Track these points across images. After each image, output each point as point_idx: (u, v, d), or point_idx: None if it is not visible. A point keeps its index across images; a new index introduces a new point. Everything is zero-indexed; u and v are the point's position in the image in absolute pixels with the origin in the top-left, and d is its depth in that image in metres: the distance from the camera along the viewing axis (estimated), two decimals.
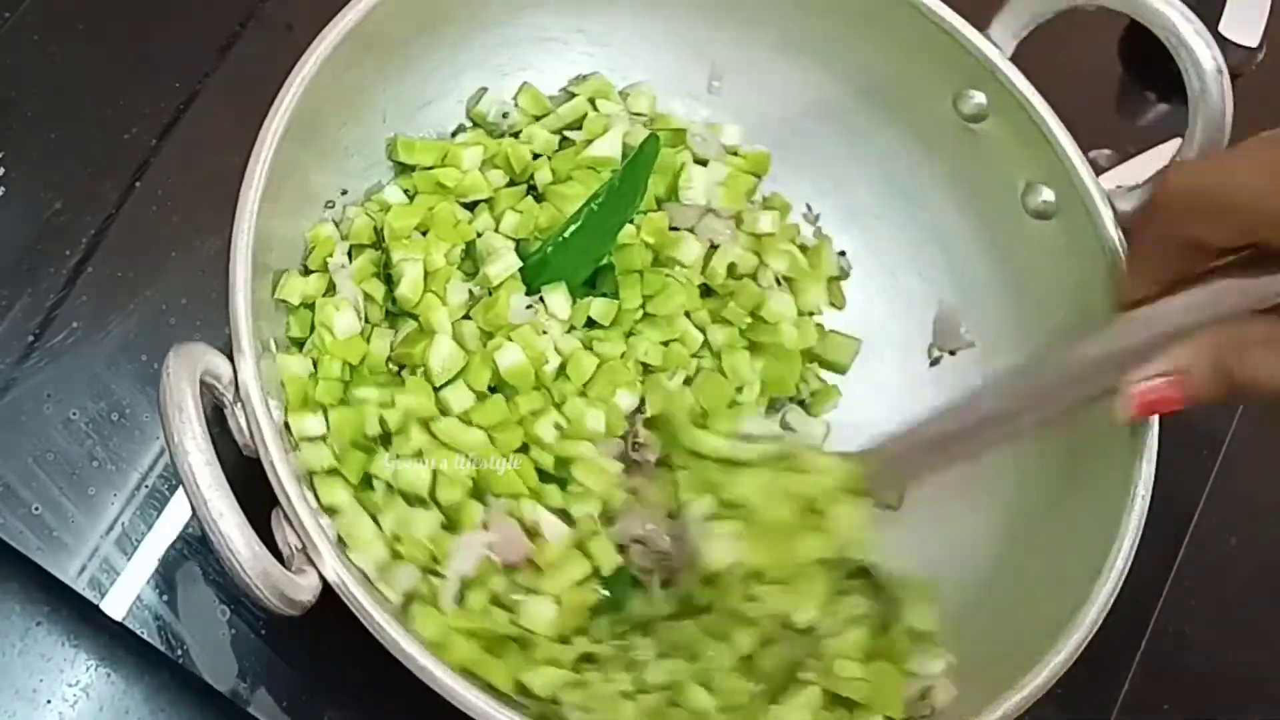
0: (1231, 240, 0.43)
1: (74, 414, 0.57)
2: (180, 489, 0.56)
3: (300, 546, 0.44)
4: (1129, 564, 0.49)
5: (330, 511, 0.49)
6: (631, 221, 0.57)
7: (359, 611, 0.44)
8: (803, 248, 0.63)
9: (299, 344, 0.53)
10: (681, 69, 0.63)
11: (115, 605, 0.54)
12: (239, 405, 0.45)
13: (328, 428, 0.50)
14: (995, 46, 0.56)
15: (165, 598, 0.54)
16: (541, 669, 0.49)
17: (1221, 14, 0.69)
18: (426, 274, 0.55)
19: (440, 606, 0.49)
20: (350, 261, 0.55)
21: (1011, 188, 0.58)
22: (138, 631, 0.54)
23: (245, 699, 0.53)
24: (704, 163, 0.62)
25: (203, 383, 0.43)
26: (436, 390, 0.53)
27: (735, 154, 0.63)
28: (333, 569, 0.44)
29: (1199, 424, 0.65)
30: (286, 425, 0.49)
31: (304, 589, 0.43)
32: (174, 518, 0.56)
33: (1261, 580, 0.63)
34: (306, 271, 0.54)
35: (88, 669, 0.54)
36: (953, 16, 0.56)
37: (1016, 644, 0.49)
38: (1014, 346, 0.59)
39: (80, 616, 0.54)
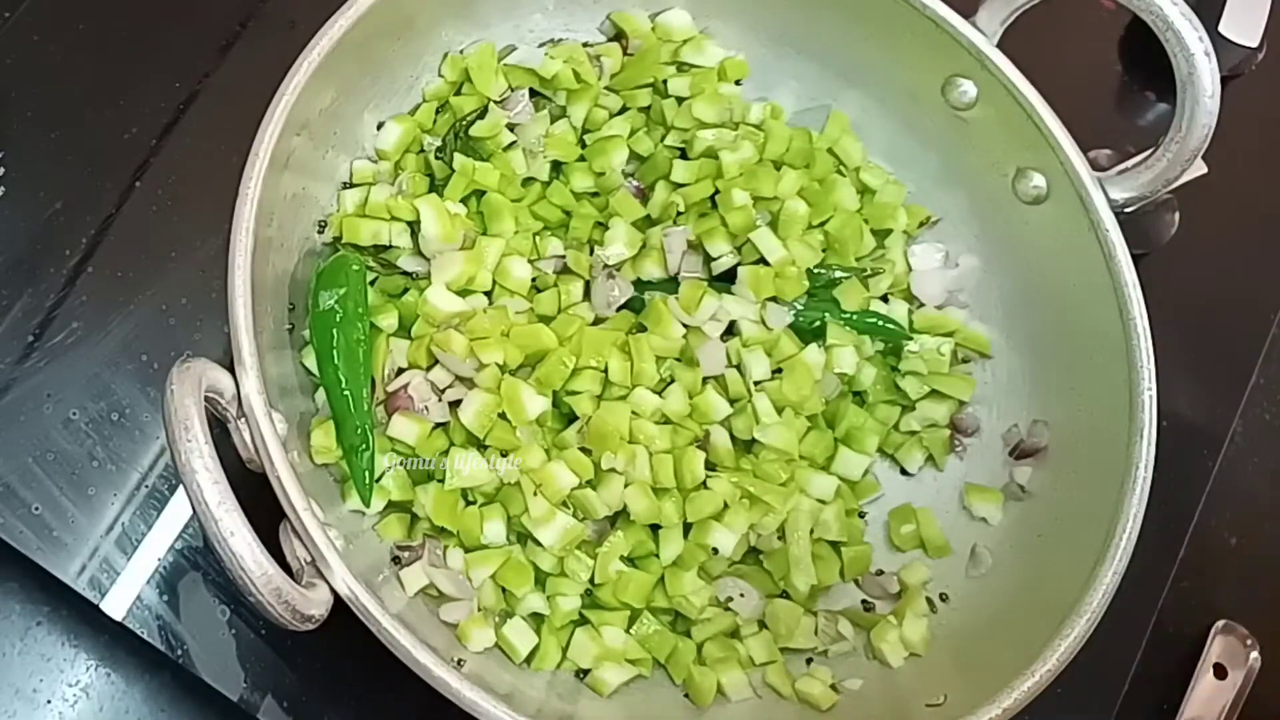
0: None
1: (74, 414, 0.57)
2: (180, 488, 0.56)
3: (310, 560, 0.44)
4: (1132, 545, 0.49)
5: None
6: None
7: (370, 622, 0.43)
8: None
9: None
10: None
11: (115, 605, 0.54)
12: (242, 420, 0.45)
13: None
14: (981, 33, 0.56)
15: (165, 598, 0.54)
16: None
17: (1221, 14, 0.69)
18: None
19: None
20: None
21: (1002, 175, 0.58)
22: (138, 631, 0.54)
23: (245, 699, 0.53)
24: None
25: (205, 398, 0.42)
26: None
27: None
28: (343, 581, 0.44)
29: (1199, 424, 0.65)
30: None
31: (316, 603, 0.43)
32: (174, 518, 0.56)
33: (1261, 580, 0.63)
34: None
35: (88, 669, 0.54)
36: (938, 4, 0.56)
37: (1021, 632, 0.49)
38: (1006, 331, 0.59)
39: (80, 616, 0.54)
